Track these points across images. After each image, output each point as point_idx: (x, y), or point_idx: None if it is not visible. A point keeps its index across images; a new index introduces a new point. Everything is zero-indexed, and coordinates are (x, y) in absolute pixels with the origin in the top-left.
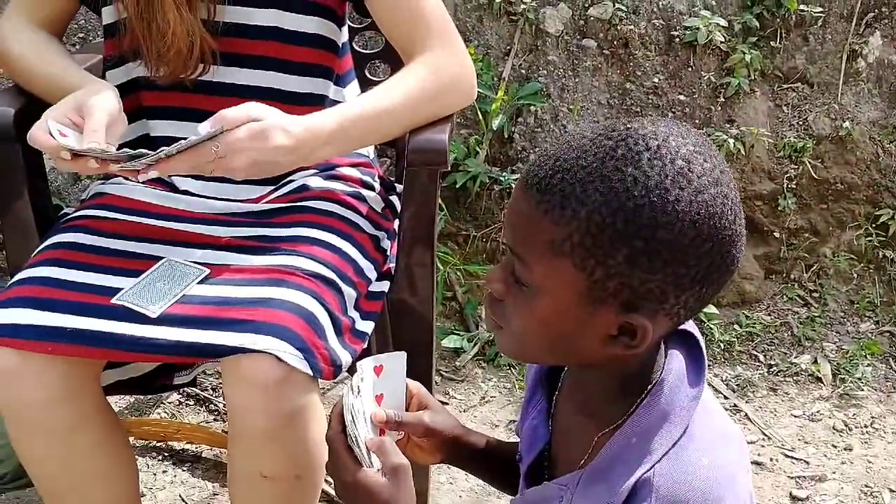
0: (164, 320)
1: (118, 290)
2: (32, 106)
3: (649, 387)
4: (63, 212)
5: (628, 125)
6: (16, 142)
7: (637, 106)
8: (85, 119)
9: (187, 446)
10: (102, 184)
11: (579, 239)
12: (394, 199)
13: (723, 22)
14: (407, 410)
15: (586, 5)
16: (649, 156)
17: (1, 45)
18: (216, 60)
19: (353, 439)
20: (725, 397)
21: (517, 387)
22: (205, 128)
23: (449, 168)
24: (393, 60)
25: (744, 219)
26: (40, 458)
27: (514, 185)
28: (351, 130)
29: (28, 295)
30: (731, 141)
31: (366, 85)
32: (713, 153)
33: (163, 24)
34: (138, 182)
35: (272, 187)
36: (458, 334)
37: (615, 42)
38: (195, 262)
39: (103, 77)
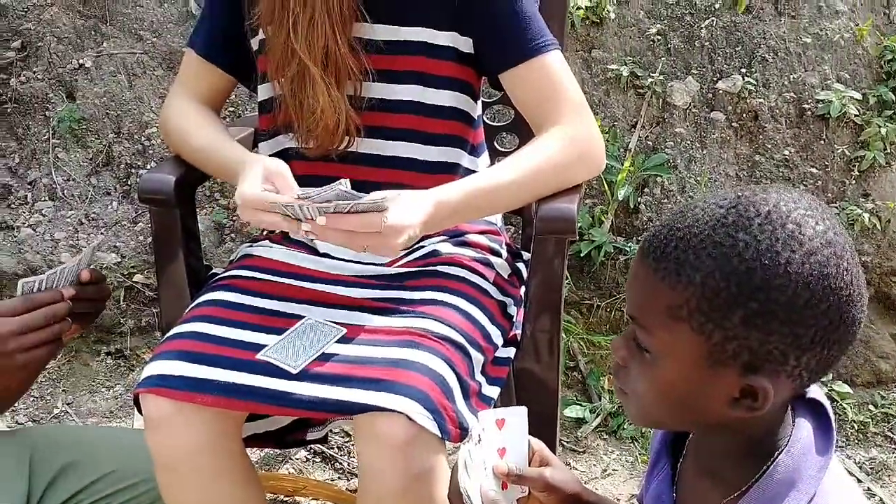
0: (303, 377)
1: (263, 346)
2: (191, 175)
3: (776, 453)
4: (213, 272)
5: (739, 193)
6: (175, 207)
7: (767, 178)
8: (276, 181)
9: (313, 502)
10: (250, 247)
11: (696, 304)
12: (520, 266)
13: (857, 95)
14: (528, 466)
15: (715, 79)
16: (760, 221)
17: (165, 118)
18: (360, 133)
19: (465, 491)
20: (859, 481)
21: (640, 460)
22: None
23: (577, 237)
24: (520, 132)
25: (863, 280)
26: (184, 502)
27: (635, 255)
28: (478, 201)
29: (181, 349)
30: (867, 216)
31: (494, 156)
32: (826, 216)
33: (313, 102)
34: (306, 232)
35: (404, 252)
36: (580, 405)
37: (744, 115)
38: (333, 322)
39: (255, 146)
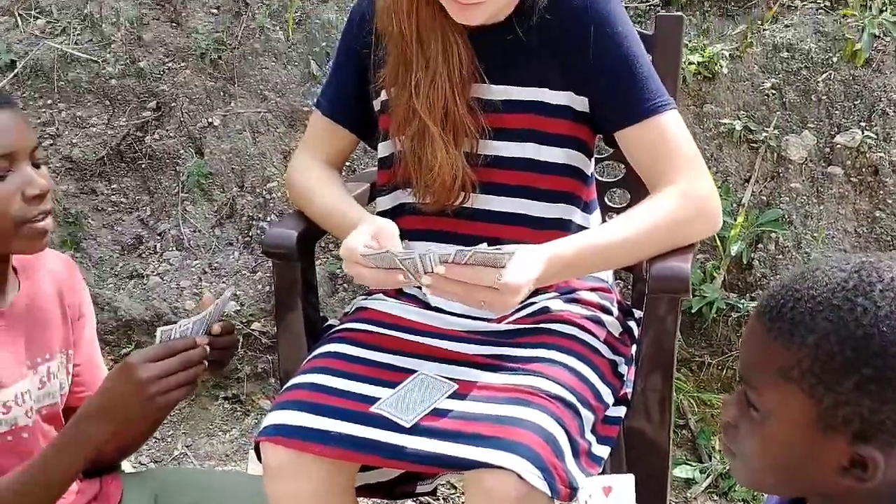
0: (416, 431)
1: (377, 399)
2: (311, 230)
3: None
4: (328, 323)
5: (864, 258)
6: (297, 261)
7: (888, 235)
8: (382, 242)
9: None
10: (364, 299)
11: (808, 365)
12: (632, 324)
13: None
14: None
15: (832, 133)
16: (882, 287)
17: (291, 176)
18: (475, 189)
19: None
20: None
21: None
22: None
23: (690, 296)
24: (632, 188)
25: None
26: None
27: (752, 313)
28: (591, 258)
29: (300, 399)
30: None
31: (605, 212)
32: None
33: (431, 159)
34: (420, 284)
35: (515, 308)
36: (689, 464)
37: (864, 169)
38: (445, 377)
39: (371, 202)
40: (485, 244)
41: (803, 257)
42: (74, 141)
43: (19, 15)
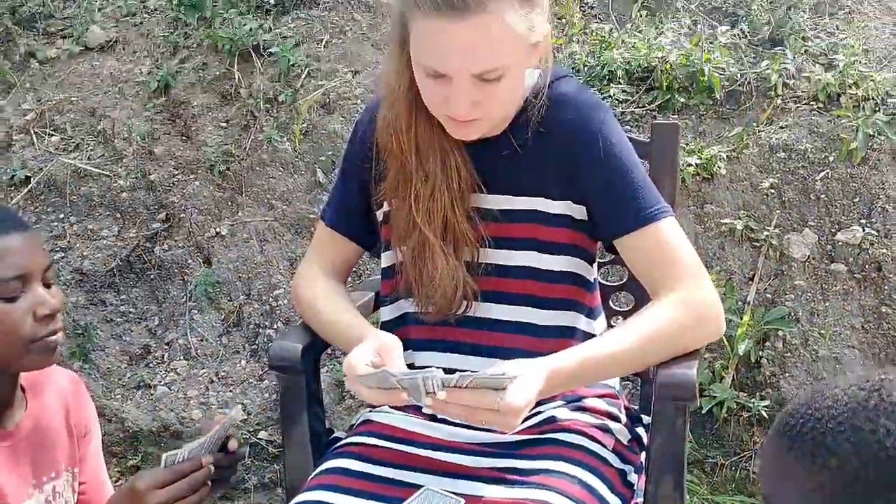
0: None
1: None
2: (316, 343)
3: None
4: (334, 436)
5: (883, 375)
6: (301, 374)
7: (895, 330)
8: (384, 357)
9: None
10: (370, 411)
11: (830, 489)
12: (640, 430)
13: None
14: None
15: (833, 230)
16: None
17: (297, 288)
18: (477, 298)
19: None
20: None
21: None
22: (490, 372)
23: (697, 402)
24: (636, 291)
25: None
26: None
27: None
28: (593, 369)
29: None
30: None
31: (610, 316)
32: None
33: (432, 270)
34: (423, 404)
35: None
36: None
37: (867, 266)
38: (451, 493)
39: (375, 310)
40: (487, 370)
41: (812, 355)
42: (85, 253)
43: (35, 133)
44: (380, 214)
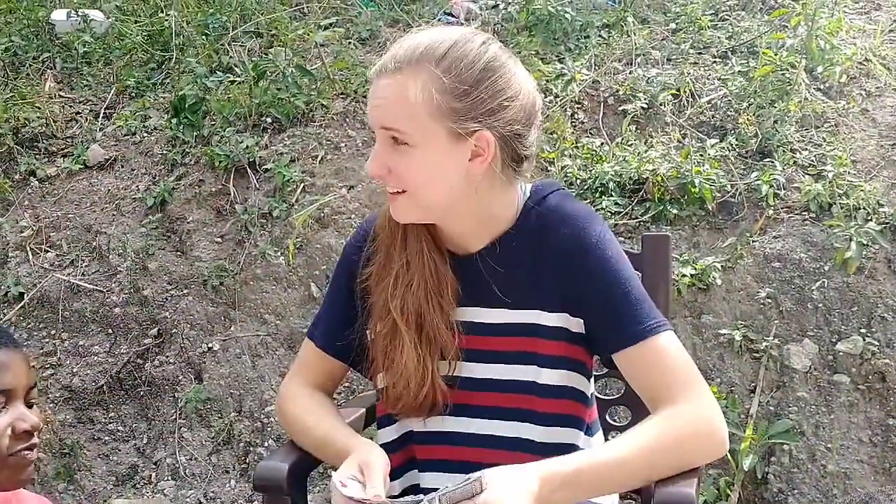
0: None
1: None
2: (303, 462)
3: None
4: None
5: None
6: (287, 495)
7: None
8: (367, 474)
9: None
10: None
11: None
12: None
13: None
14: None
15: (833, 340)
16: None
17: (283, 405)
18: (447, 409)
19: None
20: None
21: None
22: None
23: None
24: (634, 405)
25: None
26: None
27: None
28: (588, 478)
29: None
30: None
31: (608, 431)
32: None
33: (399, 361)
34: None
35: None
36: None
37: (870, 376)
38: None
39: (366, 426)
40: (450, 483)
41: (820, 470)
42: (75, 370)
43: (31, 249)
44: (369, 334)
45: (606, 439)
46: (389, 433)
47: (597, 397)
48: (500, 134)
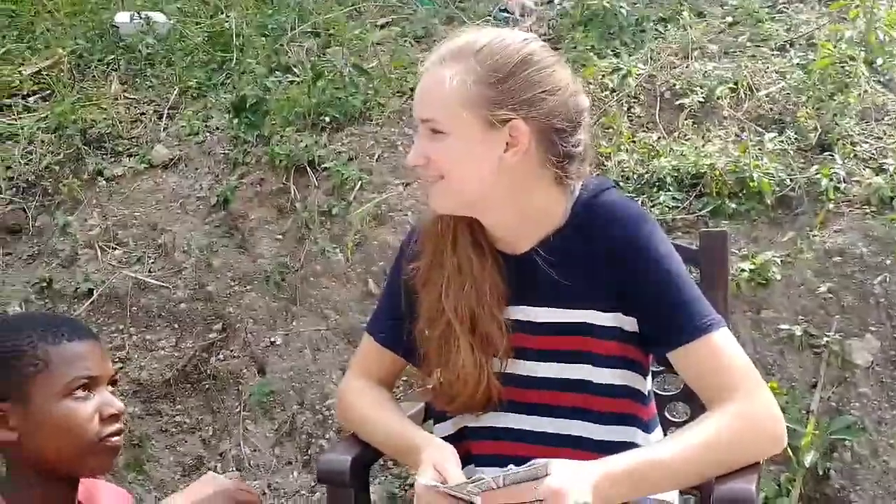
0: None
1: None
2: (365, 455)
3: None
4: None
5: None
6: (349, 487)
7: None
8: (442, 473)
9: None
10: None
11: None
12: None
13: None
14: None
15: (895, 335)
16: None
17: (344, 400)
18: (501, 404)
19: None
20: None
21: None
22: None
23: None
24: (693, 401)
25: None
26: None
27: None
28: (647, 474)
29: None
30: None
31: (666, 427)
32: None
33: (455, 361)
34: None
35: None
36: None
37: None
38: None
39: (427, 420)
40: (512, 465)
41: (882, 466)
42: (143, 364)
43: (99, 247)
44: (418, 332)
45: (665, 435)
46: (446, 428)
47: (655, 393)
48: (537, 127)
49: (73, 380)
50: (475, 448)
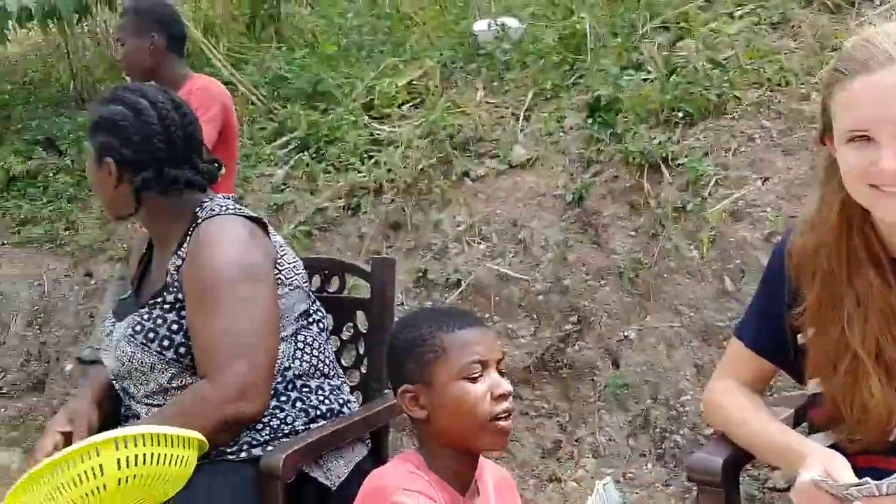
0: None
1: None
2: (736, 456)
3: None
4: None
5: None
6: (721, 488)
7: None
8: (833, 475)
9: None
10: None
11: None
12: None
13: None
14: None
15: None
16: None
17: (713, 400)
18: None
19: None
20: None
21: None
22: None
23: None
24: None
25: None
26: None
27: None
28: None
29: None
30: None
31: None
32: None
33: (866, 397)
34: None
35: None
36: None
37: None
38: None
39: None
40: None
41: None
42: (505, 350)
43: (466, 241)
44: (799, 338)
45: None
46: (819, 440)
47: None
48: None
49: (467, 364)
50: (861, 461)
